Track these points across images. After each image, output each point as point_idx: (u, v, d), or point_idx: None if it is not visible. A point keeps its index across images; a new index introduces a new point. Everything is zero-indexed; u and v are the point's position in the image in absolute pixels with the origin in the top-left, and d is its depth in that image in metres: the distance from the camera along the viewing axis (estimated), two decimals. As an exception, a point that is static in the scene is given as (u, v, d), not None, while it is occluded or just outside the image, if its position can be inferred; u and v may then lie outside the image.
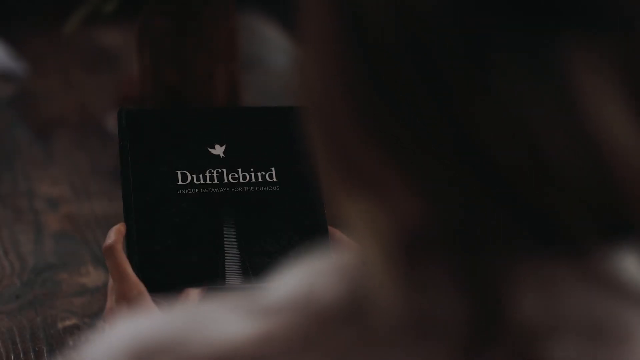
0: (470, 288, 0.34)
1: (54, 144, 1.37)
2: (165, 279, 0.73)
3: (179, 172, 0.76)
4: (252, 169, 0.78)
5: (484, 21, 0.32)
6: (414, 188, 0.34)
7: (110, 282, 0.70)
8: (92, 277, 0.96)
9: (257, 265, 0.74)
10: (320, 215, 0.77)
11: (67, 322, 0.87)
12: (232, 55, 1.12)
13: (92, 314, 0.89)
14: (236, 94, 1.12)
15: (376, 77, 0.33)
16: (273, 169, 0.78)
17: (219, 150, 0.78)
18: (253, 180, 0.77)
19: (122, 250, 0.70)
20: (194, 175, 0.76)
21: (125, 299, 0.68)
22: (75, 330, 0.86)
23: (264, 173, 0.78)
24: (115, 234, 0.71)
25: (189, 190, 0.76)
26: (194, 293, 0.72)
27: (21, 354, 0.83)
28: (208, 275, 0.73)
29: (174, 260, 0.73)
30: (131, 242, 0.73)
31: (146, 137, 0.78)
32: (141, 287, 0.68)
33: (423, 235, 0.35)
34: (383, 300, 0.35)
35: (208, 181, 0.76)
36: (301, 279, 0.39)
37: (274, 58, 1.56)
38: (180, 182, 0.76)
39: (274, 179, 0.78)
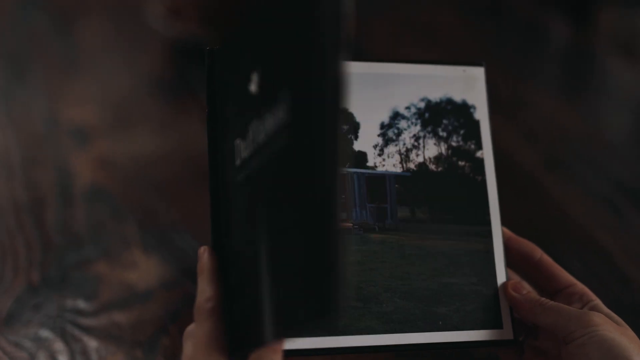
0: None
1: (77, 40, 1.05)
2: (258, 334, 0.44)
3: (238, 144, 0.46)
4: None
5: None
6: None
7: (189, 349, 0.43)
8: (141, 270, 0.67)
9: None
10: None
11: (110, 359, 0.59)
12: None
13: (146, 343, 0.60)
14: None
15: None
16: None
17: (253, 84, 0.44)
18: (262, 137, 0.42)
19: (221, 315, 0.43)
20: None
21: None
22: (123, 375, 0.58)
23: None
24: (212, 283, 0.44)
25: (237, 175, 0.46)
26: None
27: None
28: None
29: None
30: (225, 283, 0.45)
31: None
32: None
33: None
34: None
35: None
36: None
37: None
38: (237, 162, 0.46)
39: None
